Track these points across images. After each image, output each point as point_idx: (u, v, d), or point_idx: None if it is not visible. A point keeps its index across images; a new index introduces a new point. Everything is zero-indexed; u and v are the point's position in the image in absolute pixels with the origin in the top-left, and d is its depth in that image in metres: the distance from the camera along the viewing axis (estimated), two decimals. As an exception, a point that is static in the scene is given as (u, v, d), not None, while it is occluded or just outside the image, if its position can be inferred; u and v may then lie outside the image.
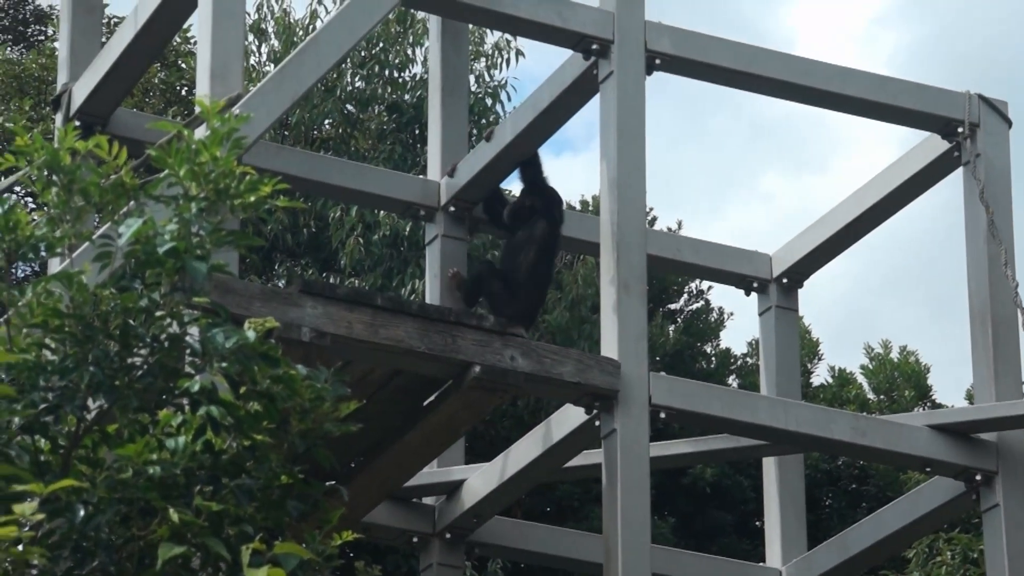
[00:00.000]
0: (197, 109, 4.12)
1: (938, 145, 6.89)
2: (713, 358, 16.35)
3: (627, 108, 6.31)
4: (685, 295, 16.57)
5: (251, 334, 3.80)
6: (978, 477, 6.46)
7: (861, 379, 17.58)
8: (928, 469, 6.60)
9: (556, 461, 6.49)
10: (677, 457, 7.03)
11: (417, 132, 14.01)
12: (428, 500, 6.86)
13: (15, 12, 16.14)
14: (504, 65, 14.17)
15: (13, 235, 3.85)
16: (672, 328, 15.83)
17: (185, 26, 10.86)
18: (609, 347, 6.10)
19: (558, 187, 6.91)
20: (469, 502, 6.70)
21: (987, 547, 6.47)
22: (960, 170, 6.83)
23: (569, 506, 13.89)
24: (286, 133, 14.05)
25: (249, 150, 5.35)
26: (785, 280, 7.38)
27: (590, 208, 15.03)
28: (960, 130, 6.78)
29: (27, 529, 3.56)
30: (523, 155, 6.92)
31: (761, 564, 7.30)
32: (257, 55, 14.39)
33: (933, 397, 17.51)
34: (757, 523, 14.78)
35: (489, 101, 13.86)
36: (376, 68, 14.23)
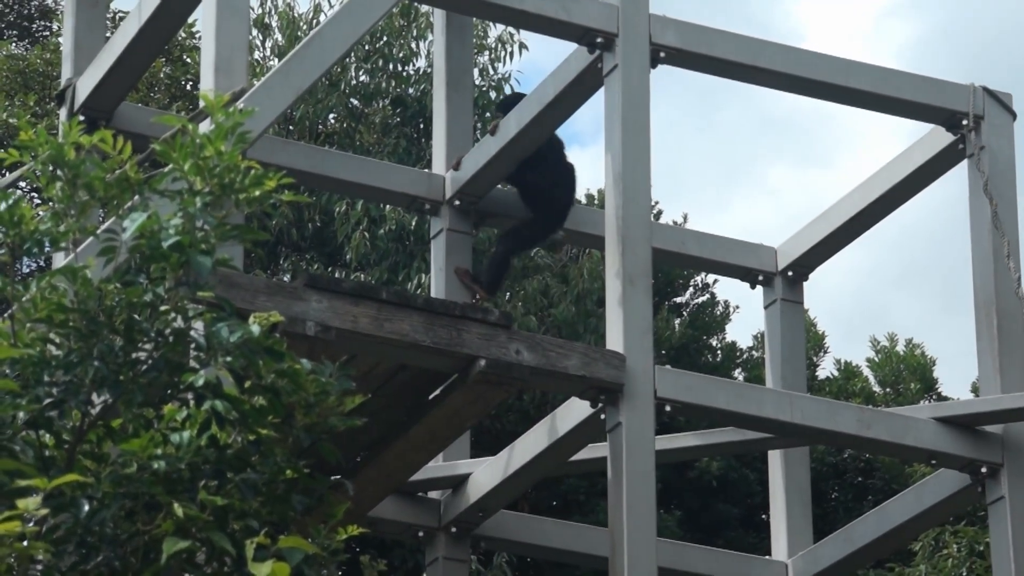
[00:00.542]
0: (201, 103, 4.12)
1: (943, 138, 6.88)
2: (719, 351, 16.34)
3: (631, 102, 6.30)
4: (691, 288, 16.55)
5: (256, 328, 3.80)
6: (983, 469, 6.46)
7: (867, 372, 17.57)
8: (933, 462, 6.59)
9: (562, 455, 6.49)
10: (683, 450, 7.03)
11: (422, 126, 14.01)
12: (434, 494, 6.87)
13: (20, 7, 16.14)
14: (508, 58, 14.16)
15: (18, 230, 3.84)
16: (678, 321, 15.82)
17: (189, 20, 10.87)
18: (614, 340, 6.10)
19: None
20: (475, 496, 6.70)
21: (993, 539, 6.46)
22: (965, 162, 6.82)
23: (575, 500, 13.89)
24: (291, 127, 14.05)
25: (254, 144, 5.35)
26: (790, 273, 7.38)
27: (596, 202, 15.02)
28: (964, 122, 6.77)
29: (31, 524, 3.57)
30: (527, 149, 6.92)
31: (767, 557, 7.30)
32: (261, 50, 14.39)
33: (939, 390, 17.49)
34: (763, 516, 14.77)
35: (493, 94, 13.85)
36: (380, 62, 14.22)
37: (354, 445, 6.22)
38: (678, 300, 16.49)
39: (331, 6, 14.10)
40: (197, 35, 13.94)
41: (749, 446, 6.99)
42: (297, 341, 5.45)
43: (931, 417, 6.54)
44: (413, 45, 14.29)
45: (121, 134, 4.08)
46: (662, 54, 6.43)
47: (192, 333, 3.80)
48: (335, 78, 14.16)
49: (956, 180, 6.91)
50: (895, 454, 7.89)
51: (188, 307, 3.82)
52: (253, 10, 14.28)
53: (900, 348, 17.72)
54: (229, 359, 3.77)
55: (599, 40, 6.37)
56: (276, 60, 13.94)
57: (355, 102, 14.38)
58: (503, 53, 14.13)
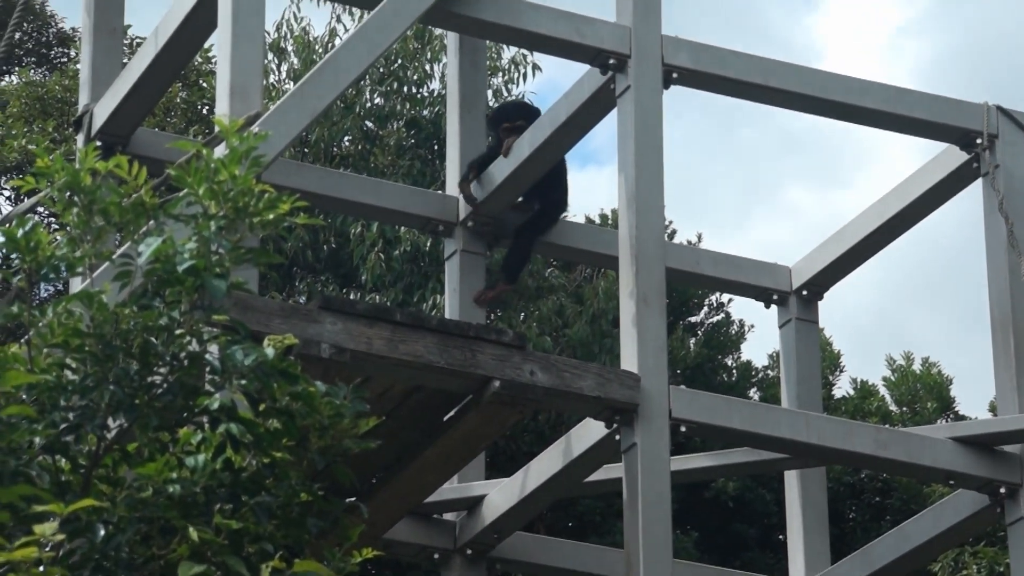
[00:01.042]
0: (216, 128, 4.14)
1: (957, 156, 6.87)
2: (734, 370, 16.31)
3: (644, 123, 6.31)
4: (705, 308, 16.54)
5: (270, 351, 3.81)
6: (1002, 490, 6.43)
7: (883, 391, 17.52)
8: (951, 482, 6.57)
9: (577, 476, 6.48)
10: (698, 471, 7.02)
11: (436, 147, 14.04)
12: (449, 516, 6.86)
13: (38, 35, 16.24)
14: (521, 80, 14.20)
15: (34, 256, 3.86)
16: (692, 341, 15.81)
17: (205, 46, 10.91)
18: (629, 361, 6.10)
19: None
20: (490, 517, 6.69)
21: (1013, 561, 6.43)
22: (979, 181, 6.81)
23: (591, 521, 13.86)
24: (306, 150, 14.09)
25: (269, 167, 5.37)
26: (805, 292, 7.37)
27: (609, 222, 15.03)
28: (979, 141, 6.76)
29: (48, 549, 3.57)
30: (540, 170, 6.93)
31: (784, 578, 7.28)
32: (277, 73, 14.45)
33: (956, 409, 17.43)
34: (780, 537, 14.72)
35: (507, 116, 13.86)
36: (395, 84, 14.27)
37: (369, 467, 6.22)
38: (693, 319, 16.48)
39: (346, 30, 14.16)
40: (213, 60, 14.01)
41: (765, 466, 6.97)
42: (312, 363, 5.46)
43: (949, 437, 6.52)
44: (427, 67, 14.34)
45: (137, 159, 4.10)
46: (675, 75, 6.45)
47: (207, 356, 3.81)
48: (350, 101, 14.21)
49: (973, 196, 6.90)
50: (913, 474, 7.87)
51: (203, 330, 3.83)
52: (269, 34, 14.35)
53: (916, 367, 17.66)
54: (244, 382, 3.78)
55: (612, 61, 6.39)
56: (292, 83, 13.99)
57: (370, 124, 14.42)
58: (517, 75, 14.17)
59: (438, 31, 13.54)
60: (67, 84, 14.01)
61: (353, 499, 4.13)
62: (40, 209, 10.79)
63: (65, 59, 15.92)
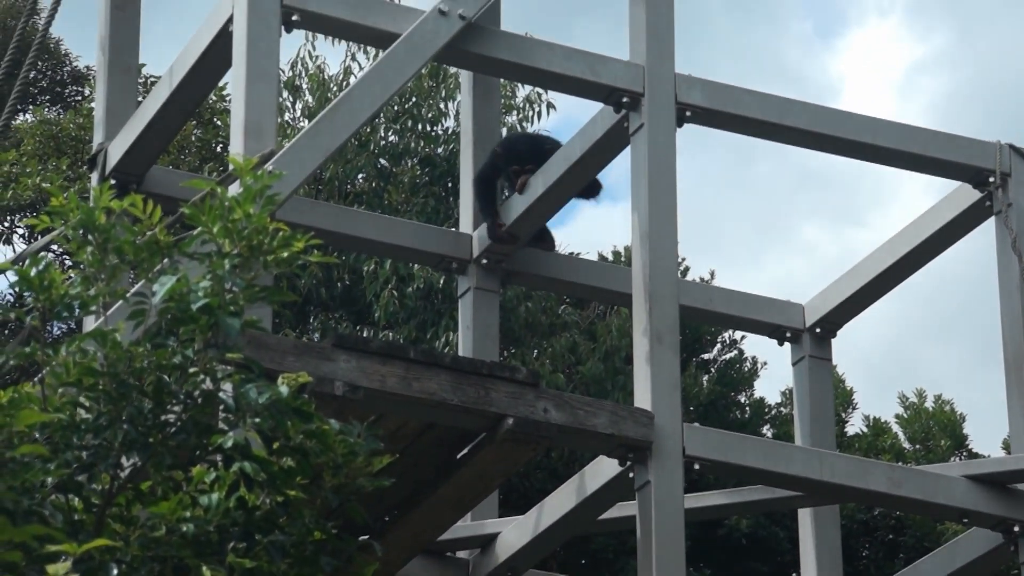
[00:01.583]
0: (231, 167, 4.16)
1: (970, 195, 6.87)
2: (747, 407, 16.27)
3: (658, 161, 6.33)
4: (718, 345, 16.51)
5: (284, 389, 3.82)
6: (1016, 528, 6.40)
7: (896, 428, 17.45)
8: (965, 520, 6.54)
9: (590, 513, 6.46)
10: (712, 508, 6.99)
11: (450, 185, 14.08)
12: (462, 554, 6.84)
13: (53, 73, 16.35)
14: (536, 118, 14.25)
15: (48, 294, 3.88)
16: (706, 378, 15.78)
17: (220, 84, 10.97)
18: (642, 398, 6.09)
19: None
20: (503, 555, 6.67)
21: (1027, 599, 6.39)
22: (992, 219, 6.81)
23: (604, 559, 13.80)
24: (320, 188, 14.14)
25: (283, 205, 5.39)
26: (818, 330, 7.36)
27: (622, 259, 15.04)
28: (991, 180, 6.76)
29: (62, 588, 3.57)
30: (555, 207, 6.95)
31: (798, 617, 7.24)
32: (292, 111, 14.52)
33: (969, 446, 17.35)
34: (794, 574, 14.64)
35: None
36: (409, 122, 14.32)
37: (382, 505, 6.21)
38: (706, 356, 16.45)
39: (361, 68, 14.23)
40: (227, 98, 14.08)
41: (779, 504, 6.94)
42: (325, 401, 5.46)
43: (962, 475, 6.50)
44: (442, 105, 14.39)
45: (151, 197, 4.12)
46: (688, 113, 6.47)
47: (221, 395, 3.82)
48: (364, 138, 14.26)
49: (987, 234, 6.90)
50: (926, 512, 7.83)
51: (217, 368, 3.84)
52: (284, 72, 14.43)
53: (929, 404, 17.60)
54: (258, 420, 3.78)
55: (625, 100, 6.41)
56: (306, 121, 14.05)
57: (384, 162, 14.47)
58: (531, 113, 14.22)
59: (452, 69, 13.59)
60: (81, 122, 14.08)
61: (367, 537, 4.12)
62: (54, 247, 10.83)
63: (79, 97, 16.01)
